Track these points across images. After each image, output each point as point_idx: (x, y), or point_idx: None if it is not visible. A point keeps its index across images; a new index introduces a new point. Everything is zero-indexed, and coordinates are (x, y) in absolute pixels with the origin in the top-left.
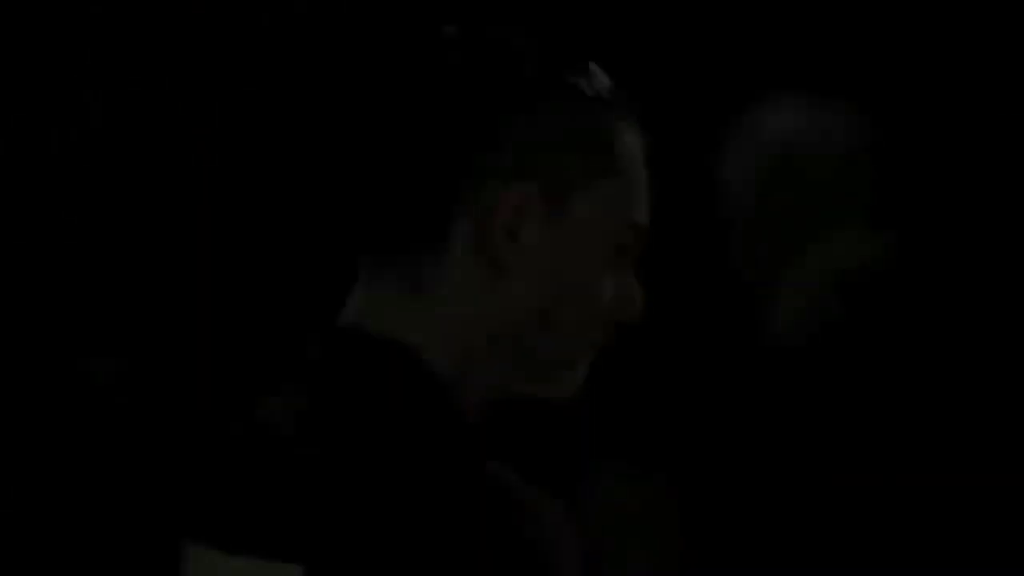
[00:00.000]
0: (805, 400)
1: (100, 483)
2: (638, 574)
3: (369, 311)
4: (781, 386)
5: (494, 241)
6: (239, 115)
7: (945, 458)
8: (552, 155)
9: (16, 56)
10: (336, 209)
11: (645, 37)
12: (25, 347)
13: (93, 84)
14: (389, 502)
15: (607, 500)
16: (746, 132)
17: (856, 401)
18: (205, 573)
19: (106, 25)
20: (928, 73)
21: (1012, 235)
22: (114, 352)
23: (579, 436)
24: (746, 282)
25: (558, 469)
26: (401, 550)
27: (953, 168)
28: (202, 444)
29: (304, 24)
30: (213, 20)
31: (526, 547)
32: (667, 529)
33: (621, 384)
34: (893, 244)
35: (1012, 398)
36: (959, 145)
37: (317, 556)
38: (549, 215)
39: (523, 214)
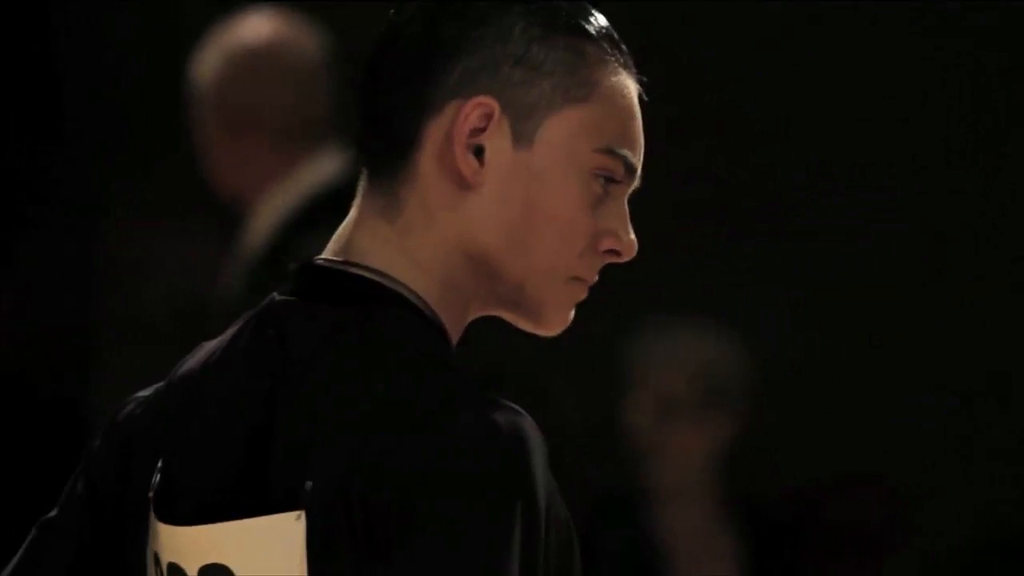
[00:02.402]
0: None
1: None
2: None
3: (349, 240)
4: None
5: (454, 153)
6: None
7: None
8: (516, 76)
9: None
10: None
11: None
12: None
13: None
14: (382, 441)
15: None
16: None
17: None
18: (199, 544)
19: None
20: None
21: None
22: None
23: None
24: None
25: None
26: (400, 490)
27: None
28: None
29: None
30: None
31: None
32: None
33: None
34: None
35: None
36: None
37: (317, 502)
38: (518, 138)
39: (485, 131)
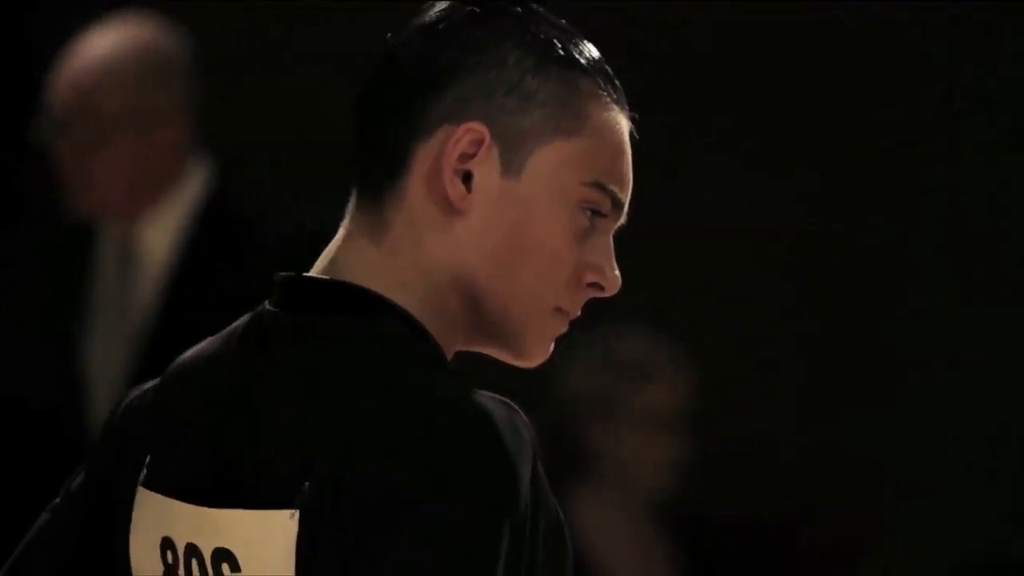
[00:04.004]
0: None
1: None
2: None
3: (336, 259)
4: None
5: (443, 178)
6: None
7: None
8: (509, 104)
9: None
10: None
11: None
12: None
13: None
14: (374, 444)
15: None
16: None
17: None
18: (191, 529)
19: None
20: None
21: None
22: None
23: None
24: None
25: None
26: (388, 493)
27: None
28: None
29: None
30: None
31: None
32: None
33: None
34: None
35: None
36: None
37: (311, 500)
38: (507, 166)
39: (475, 157)
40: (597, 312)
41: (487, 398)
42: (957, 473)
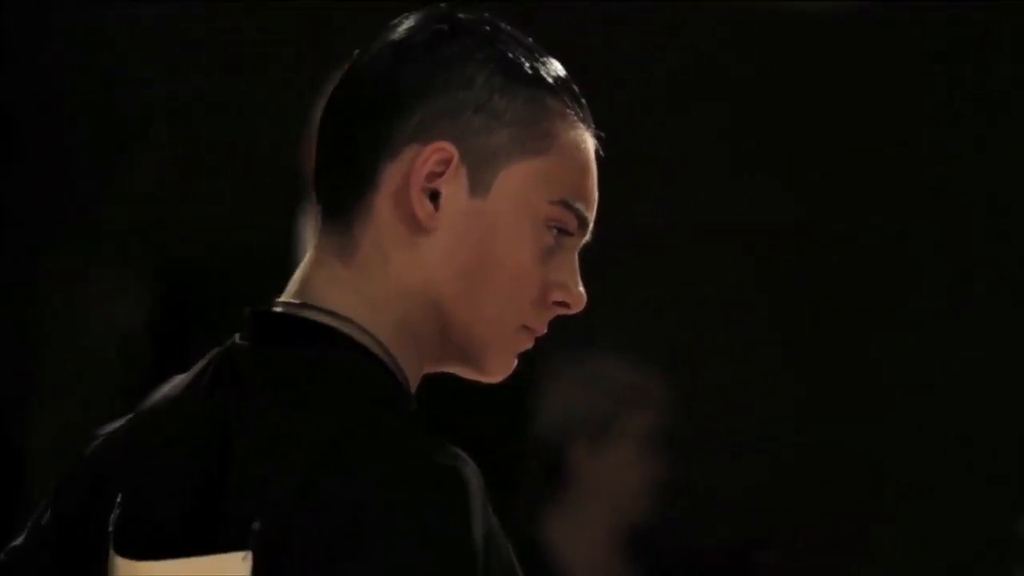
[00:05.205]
0: None
1: None
2: None
3: (306, 280)
4: None
5: (410, 197)
6: None
7: None
8: (476, 123)
9: None
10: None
11: None
12: None
13: None
14: (327, 483)
15: None
16: None
17: None
18: None
19: None
20: None
21: None
22: None
23: None
24: None
25: None
26: (342, 532)
27: None
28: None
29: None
30: None
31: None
32: None
33: None
34: None
35: None
36: None
37: (264, 540)
38: (474, 185)
39: (442, 176)
40: (590, 324)
41: (441, 446)
42: (957, 473)
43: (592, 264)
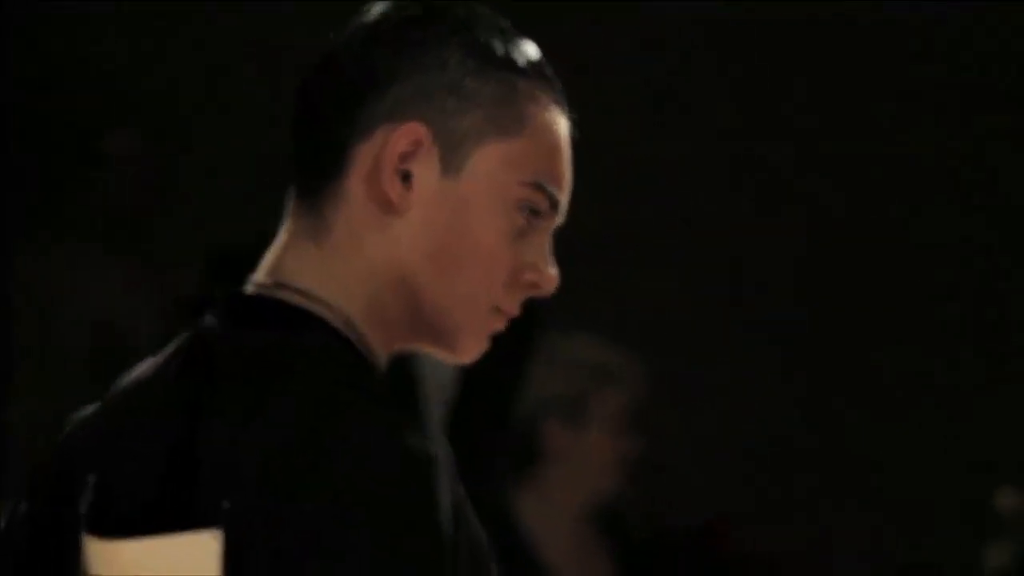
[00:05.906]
0: None
1: None
2: None
3: (279, 261)
4: None
5: (382, 177)
6: None
7: None
8: (449, 105)
9: None
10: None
11: None
12: None
13: None
14: (295, 463)
15: None
16: None
17: None
18: (114, 563)
19: None
20: None
21: None
22: None
23: None
24: None
25: None
26: (309, 512)
27: None
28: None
29: None
30: None
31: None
32: None
33: None
34: None
35: None
36: None
37: (234, 519)
38: (446, 166)
39: (415, 157)
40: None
41: (409, 425)
42: (957, 473)
43: (566, 246)
